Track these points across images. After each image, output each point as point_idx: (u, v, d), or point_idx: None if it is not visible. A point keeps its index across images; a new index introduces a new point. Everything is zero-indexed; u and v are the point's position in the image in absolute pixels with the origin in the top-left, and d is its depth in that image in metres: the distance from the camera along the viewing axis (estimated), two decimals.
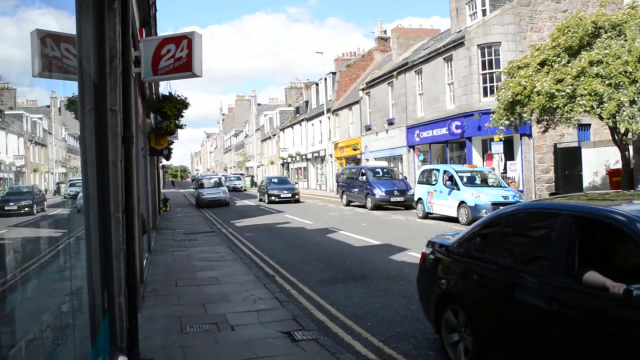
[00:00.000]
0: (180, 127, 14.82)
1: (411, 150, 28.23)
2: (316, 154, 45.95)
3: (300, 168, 52.98)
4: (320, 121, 44.89)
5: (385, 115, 31.24)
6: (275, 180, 32.35)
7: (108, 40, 5.01)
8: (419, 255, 6.91)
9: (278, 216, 22.49)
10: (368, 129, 33.97)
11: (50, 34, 3.61)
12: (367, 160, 33.47)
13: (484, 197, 16.42)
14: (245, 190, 39.65)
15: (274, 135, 62.50)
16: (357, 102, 35.99)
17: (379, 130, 32.11)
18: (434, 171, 19.39)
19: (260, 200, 31.88)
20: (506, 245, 5.11)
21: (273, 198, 29.83)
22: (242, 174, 69.81)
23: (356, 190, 25.44)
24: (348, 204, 26.24)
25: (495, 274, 4.97)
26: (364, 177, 25.07)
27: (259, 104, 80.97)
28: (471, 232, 5.59)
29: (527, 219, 5.04)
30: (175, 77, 7.24)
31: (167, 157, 25.19)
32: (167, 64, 7.03)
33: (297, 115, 56.74)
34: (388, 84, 30.74)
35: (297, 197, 30.27)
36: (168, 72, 7.08)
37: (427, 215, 19.11)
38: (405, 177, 25.96)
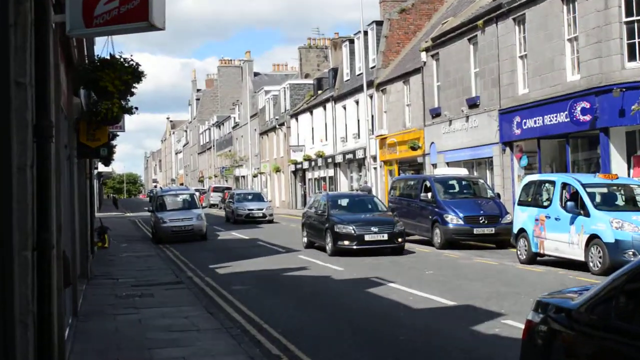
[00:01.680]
0: (129, 111, 14.93)
1: (507, 149, 28.11)
2: (350, 156, 46.13)
3: (323, 178, 53.26)
4: (357, 102, 45.11)
5: (463, 93, 31.19)
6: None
7: None
8: (522, 326, 6.87)
9: (288, 258, 22.57)
10: (436, 114, 33.95)
11: None
12: (434, 165, 33.44)
13: (630, 229, 16.19)
14: (266, 217, 41.17)
15: (281, 125, 62.98)
16: (416, 72, 36.00)
17: (453, 116, 32.06)
18: (546, 185, 19.25)
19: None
20: None
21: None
22: (227, 188, 70.38)
23: (416, 215, 25.49)
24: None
25: None
26: (429, 195, 25.00)
27: (256, 74, 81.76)
28: (610, 287, 5.54)
29: None
30: (121, 31, 7.26)
31: (107, 161, 25.34)
32: (108, 8, 7.08)
33: (319, 92, 57.11)
34: (469, 40, 30.74)
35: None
36: (109, 23, 7.12)
37: (534, 258, 18.95)
38: (498, 195, 25.82)
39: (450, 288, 15.14)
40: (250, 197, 44.31)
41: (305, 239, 25.23)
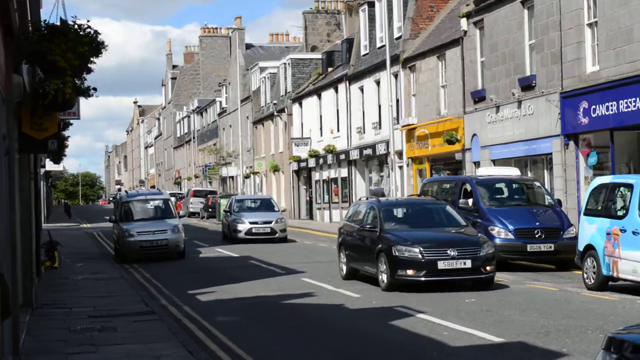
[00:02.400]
0: (86, 92, 14.94)
1: (571, 143, 28.06)
2: (368, 152, 46.18)
3: (334, 180, 53.32)
4: (378, 82, 45.16)
5: (515, 71, 31.14)
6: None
7: None
8: None
9: (289, 282, 22.59)
10: (479, 98, 33.93)
11: None
12: (477, 164, 33.46)
13: None
14: (277, 234, 37.71)
15: (281, 112, 63.11)
16: (454, 44, 36.03)
17: (501, 101, 32.00)
18: (621, 189, 19.14)
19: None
20: None
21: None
22: (211, 192, 70.33)
23: None
24: None
25: None
26: (470, 201, 24.96)
27: (248, 47, 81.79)
28: None
29: None
30: None
31: (57, 157, 25.39)
32: None
33: (329, 70, 57.11)
34: (522, 3, 30.68)
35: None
36: None
37: (605, 283, 18.84)
38: (559, 202, 25.73)
39: (497, 320, 15.05)
40: (254, 204, 41.57)
41: (343, 266, 22.35)
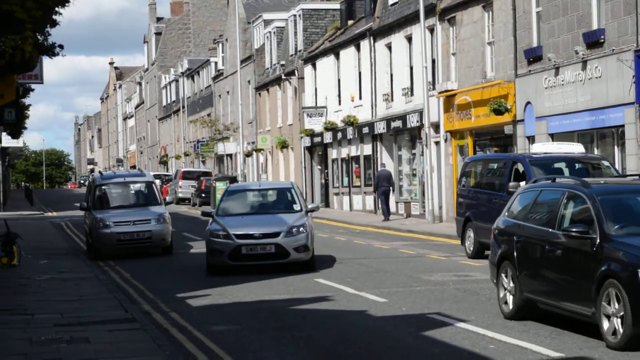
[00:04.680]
0: (50, 51, 14.98)
1: None
2: (397, 124, 46.23)
3: (354, 158, 53.30)
4: (410, 39, 45.13)
5: (578, 24, 31.03)
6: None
7: None
8: None
9: (298, 282, 22.69)
10: (534, 58, 33.87)
11: None
12: (531, 139, 33.43)
13: None
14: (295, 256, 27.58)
15: (290, 74, 63.16)
16: None
17: (562, 61, 31.93)
18: None
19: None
20: None
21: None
22: (205, 173, 70.24)
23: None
24: (480, 251, 26.41)
25: None
26: (523, 185, 24.82)
27: None
28: None
29: None
30: None
31: (16, 130, 25.51)
32: None
33: (349, 23, 56.91)
34: None
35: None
36: None
37: None
38: None
39: (554, 331, 15.01)
40: (256, 198, 28.79)
41: (509, 298, 16.68)
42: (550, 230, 15.62)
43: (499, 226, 17.79)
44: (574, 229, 14.63)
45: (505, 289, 16.68)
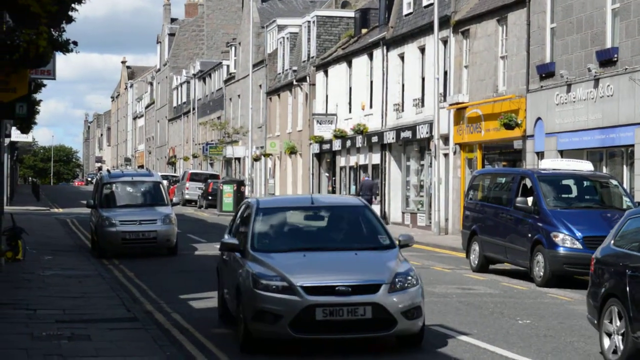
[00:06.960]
0: (65, 47, 14.98)
1: None
2: (407, 134, 46.12)
3: (362, 167, 53.29)
4: (423, 49, 45.04)
5: (592, 41, 30.97)
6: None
7: None
8: None
9: None
10: (546, 74, 33.76)
11: None
12: (540, 155, 33.37)
13: None
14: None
15: (301, 81, 63.06)
16: (519, 5, 35.89)
17: (574, 78, 31.86)
18: None
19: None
20: None
21: None
22: (213, 176, 70.20)
23: (507, 231, 25.53)
24: (484, 265, 26.47)
25: None
26: (530, 200, 24.92)
27: (264, 0, 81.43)
28: None
29: None
30: None
31: (26, 125, 25.49)
32: None
33: (363, 32, 56.88)
34: None
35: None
36: None
37: None
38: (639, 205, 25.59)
39: (556, 348, 14.96)
40: (313, 222, 17.68)
41: (618, 331, 13.80)
42: None
43: (602, 255, 14.70)
44: None
45: (612, 332, 13.76)
